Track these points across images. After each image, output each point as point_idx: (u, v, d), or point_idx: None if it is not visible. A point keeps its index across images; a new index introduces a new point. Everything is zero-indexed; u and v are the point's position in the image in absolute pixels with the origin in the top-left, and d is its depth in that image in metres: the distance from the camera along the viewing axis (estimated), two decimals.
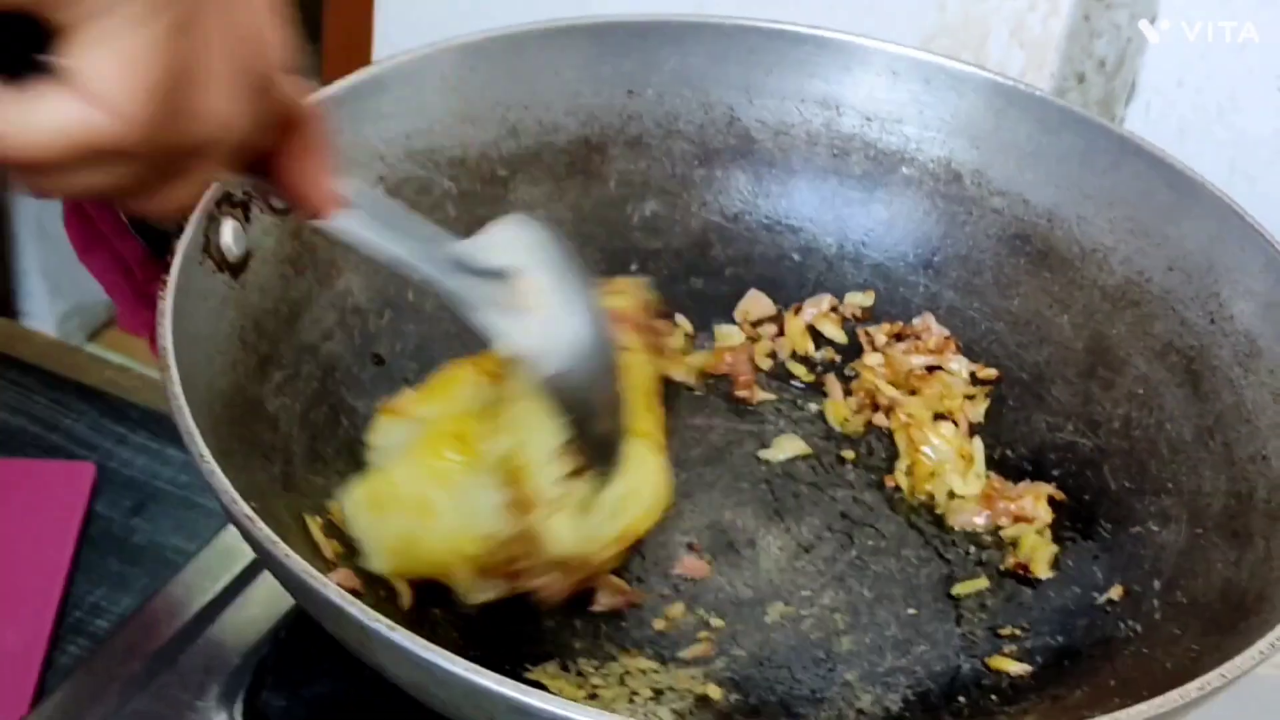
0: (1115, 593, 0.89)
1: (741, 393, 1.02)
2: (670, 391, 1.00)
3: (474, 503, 0.82)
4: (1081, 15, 1.18)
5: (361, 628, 0.67)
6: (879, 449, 1.00)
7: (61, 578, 0.98)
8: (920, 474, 0.97)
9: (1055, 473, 0.97)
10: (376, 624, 0.67)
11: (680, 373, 1.02)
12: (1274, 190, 1.13)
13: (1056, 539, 0.94)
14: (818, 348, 1.05)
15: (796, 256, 1.06)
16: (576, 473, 0.82)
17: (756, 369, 1.03)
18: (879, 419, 1.00)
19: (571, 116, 1.03)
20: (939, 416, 1.00)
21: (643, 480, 0.87)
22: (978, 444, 0.98)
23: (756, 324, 1.06)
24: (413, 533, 0.83)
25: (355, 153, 0.95)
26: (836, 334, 1.05)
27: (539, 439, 0.82)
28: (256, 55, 0.63)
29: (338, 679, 0.87)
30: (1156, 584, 0.88)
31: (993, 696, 0.85)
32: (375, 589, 0.84)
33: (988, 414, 1.00)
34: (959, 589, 0.91)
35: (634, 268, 1.04)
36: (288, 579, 0.71)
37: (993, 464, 0.98)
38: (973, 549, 0.94)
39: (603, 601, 0.89)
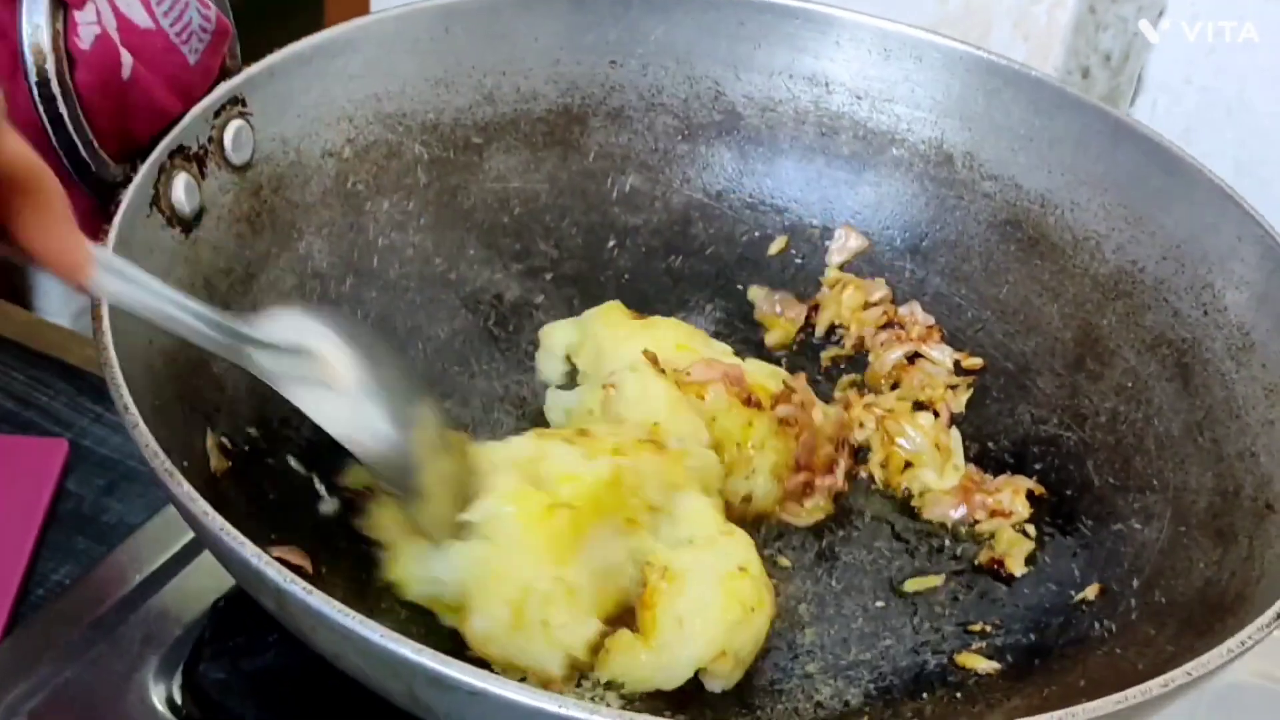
0: (1092, 591, 0.86)
1: None
2: None
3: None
4: (1087, 8, 1.15)
5: (279, 590, 0.65)
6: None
7: (26, 554, 0.95)
8: (894, 466, 0.93)
9: (1037, 467, 0.93)
10: (292, 585, 0.64)
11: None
12: None
13: (1035, 535, 0.91)
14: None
15: (780, 237, 1.02)
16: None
17: None
18: (857, 413, 0.97)
19: (551, 85, 1.00)
20: (919, 406, 0.96)
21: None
22: (955, 436, 0.95)
23: None
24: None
25: (321, 114, 0.92)
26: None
27: None
28: None
29: (277, 653, 0.84)
30: (1135, 583, 0.84)
31: (958, 694, 0.81)
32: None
33: (970, 405, 0.97)
34: (910, 585, 0.87)
35: (611, 243, 1.01)
36: (206, 537, 0.68)
37: (973, 457, 0.94)
38: (948, 543, 0.91)
39: None
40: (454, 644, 0.80)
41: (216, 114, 0.85)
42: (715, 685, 0.81)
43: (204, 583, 0.89)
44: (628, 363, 0.88)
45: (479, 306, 0.97)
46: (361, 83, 0.93)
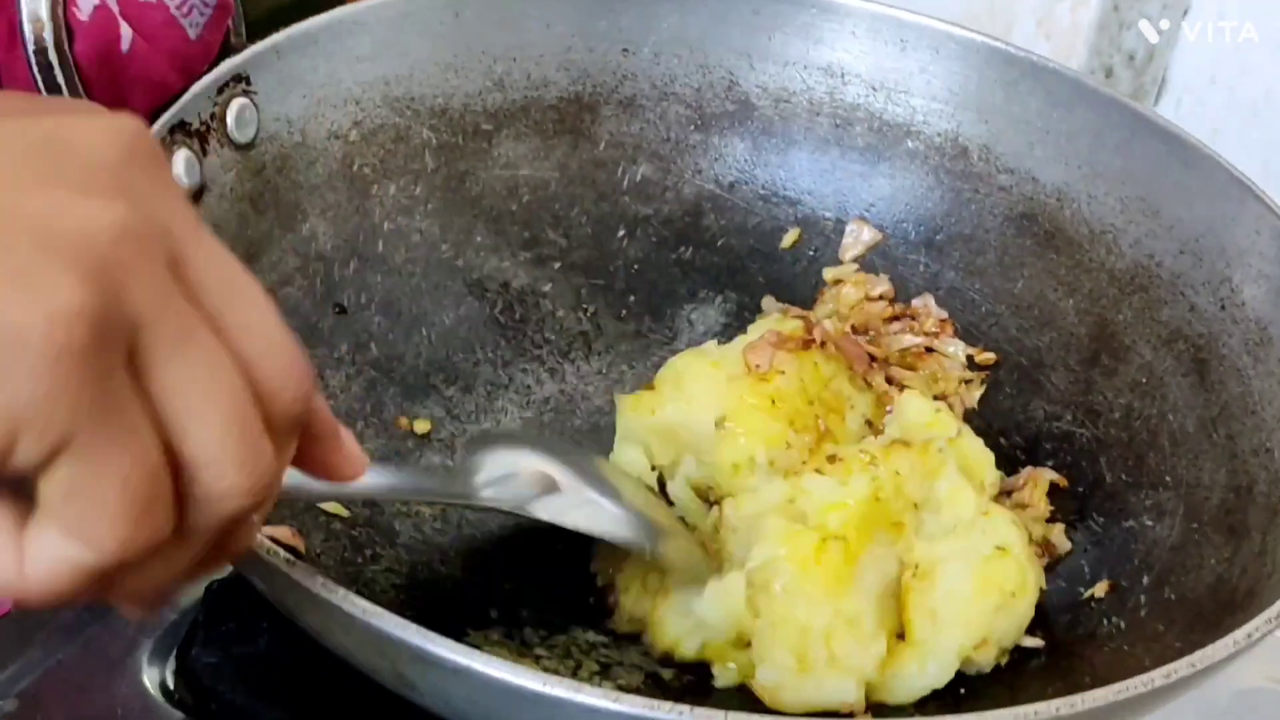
0: (1101, 588, 0.84)
1: None
2: None
3: None
4: (1111, 7, 1.13)
5: (263, 565, 0.63)
6: None
7: None
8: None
9: (1049, 463, 0.91)
10: (275, 559, 0.63)
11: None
12: None
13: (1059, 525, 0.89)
14: None
15: (793, 230, 1.01)
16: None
17: None
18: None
19: (563, 72, 0.99)
20: (933, 400, 0.94)
21: None
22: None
23: None
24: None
25: (328, 95, 0.91)
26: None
27: None
28: (277, 401, 0.50)
29: (270, 639, 0.83)
30: (1145, 579, 0.82)
31: (960, 690, 0.80)
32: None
33: (982, 400, 0.95)
34: None
35: (621, 233, 1.00)
36: None
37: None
38: None
39: None
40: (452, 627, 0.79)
41: (220, 91, 0.84)
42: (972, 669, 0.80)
43: None
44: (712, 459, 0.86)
45: (485, 293, 0.96)
46: (370, 65, 0.92)
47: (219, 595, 0.85)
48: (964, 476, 0.84)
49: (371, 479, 0.66)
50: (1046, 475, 0.90)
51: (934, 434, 0.85)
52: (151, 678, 0.83)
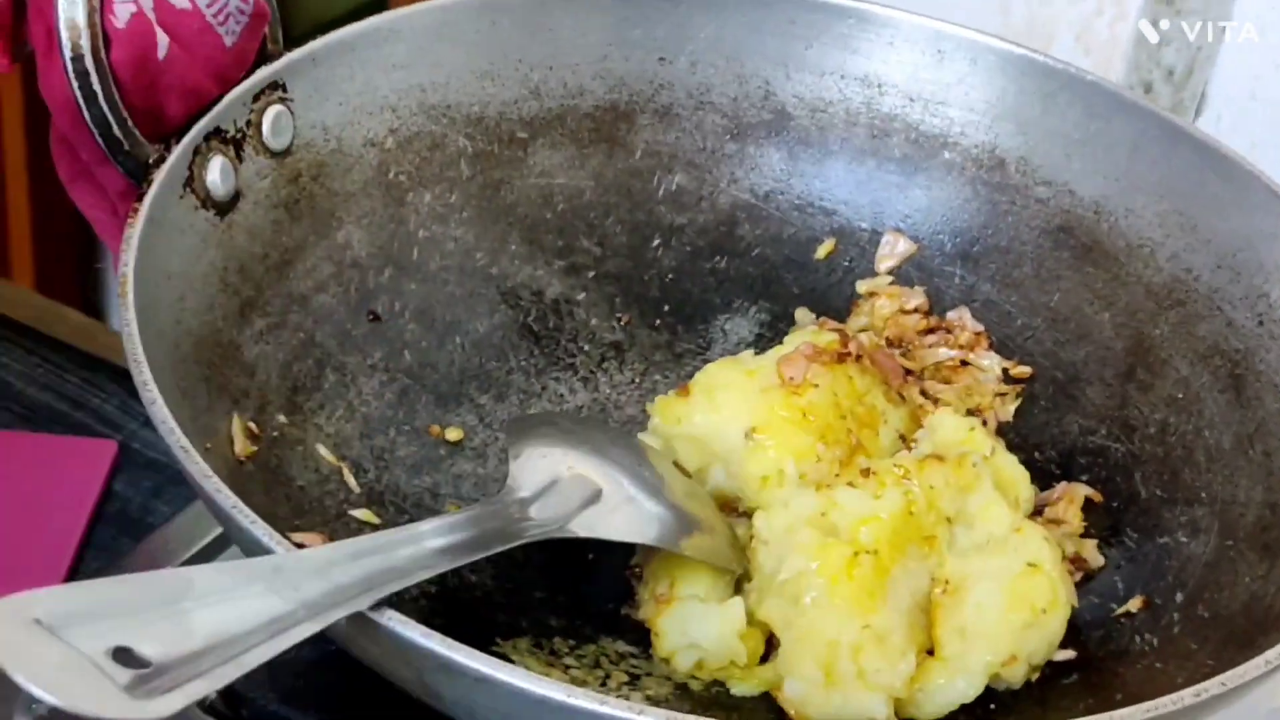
0: (1134, 604, 0.83)
1: None
2: None
3: None
4: (1150, 21, 1.13)
5: None
6: None
7: (70, 553, 0.95)
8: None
9: (1084, 478, 0.91)
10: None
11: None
12: None
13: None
14: None
15: (829, 240, 1.01)
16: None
17: None
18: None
19: (599, 81, 0.99)
20: (968, 414, 0.94)
21: None
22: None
23: None
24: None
25: (364, 102, 0.91)
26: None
27: None
28: None
29: (305, 645, 0.83)
30: (1179, 596, 0.82)
31: (991, 705, 0.79)
32: None
33: (1017, 414, 0.94)
34: None
35: (656, 242, 1.00)
36: (220, 515, 0.67)
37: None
38: None
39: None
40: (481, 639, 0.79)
41: (255, 98, 0.85)
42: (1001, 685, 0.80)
43: None
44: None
45: (519, 302, 0.96)
46: (406, 73, 0.93)
47: None
48: (998, 492, 0.84)
49: (433, 542, 0.68)
50: (1081, 490, 0.89)
51: (968, 450, 0.84)
52: None
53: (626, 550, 0.85)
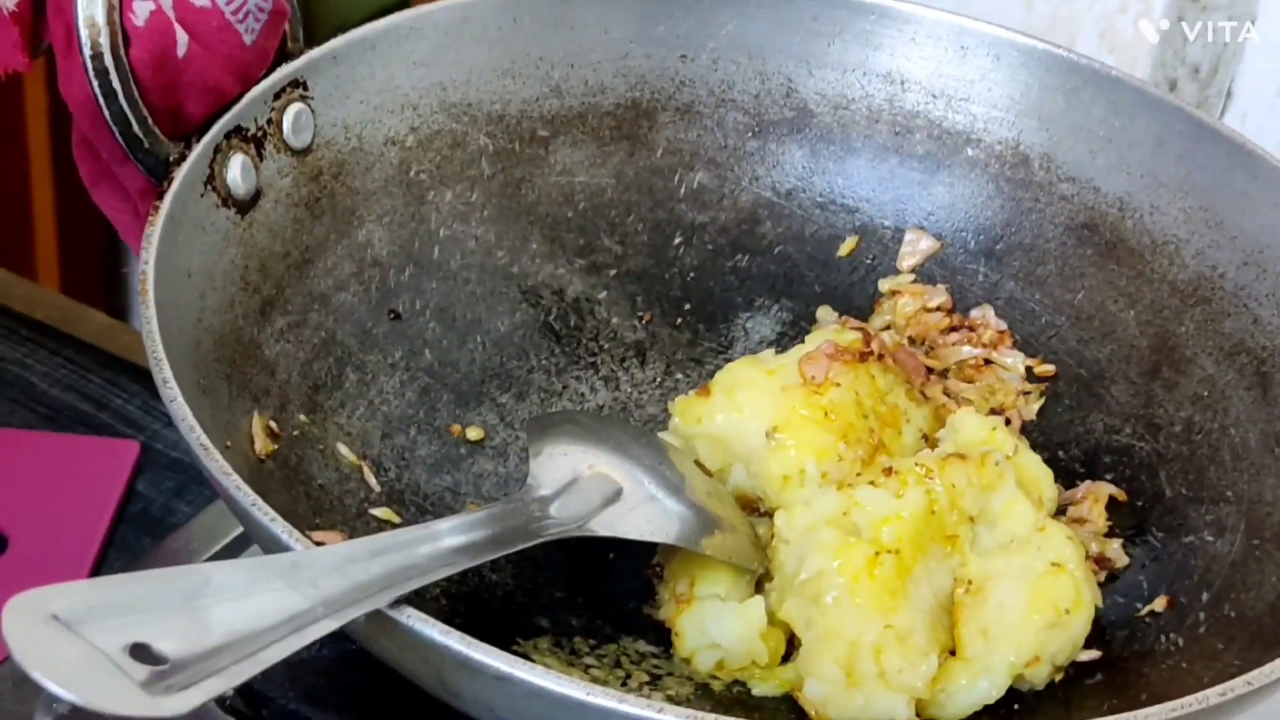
0: (1160, 604, 0.82)
1: None
2: None
3: None
4: (1175, 17, 1.12)
5: None
6: None
7: (94, 552, 0.95)
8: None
9: (1108, 476, 0.90)
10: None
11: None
12: None
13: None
14: None
15: (851, 238, 1.00)
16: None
17: None
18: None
19: (620, 78, 0.99)
20: (991, 413, 0.93)
21: None
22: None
23: None
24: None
25: (385, 100, 0.91)
26: None
27: None
28: None
29: (324, 644, 0.82)
30: (1205, 596, 0.81)
31: (1014, 705, 0.78)
32: None
33: (1040, 412, 0.94)
34: None
35: (677, 240, 0.99)
36: (238, 512, 0.67)
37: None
38: None
39: None
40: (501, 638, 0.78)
41: (276, 96, 0.85)
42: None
43: None
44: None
45: (540, 301, 0.96)
46: (426, 70, 0.92)
47: None
48: (1021, 491, 0.83)
49: (452, 540, 0.68)
50: (1105, 489, 0.89)
51: (990, 449, 0.84)
52: None
53: (648, 550, 0.84)
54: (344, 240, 0.89)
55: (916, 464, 0.82)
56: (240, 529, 0.91)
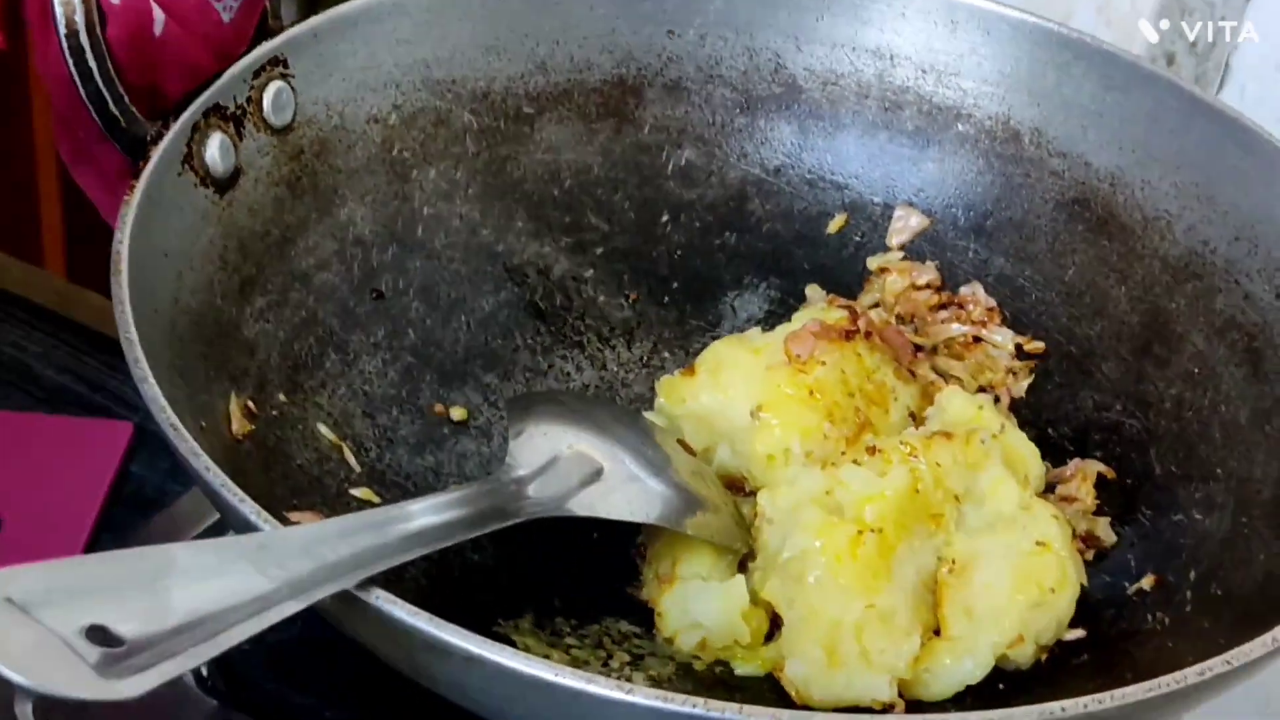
0: (1148, 582, 0.82)
1: None
2: None
3: None
4: None
5: None
6: None
7: (86, 532, 0.95)
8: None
9: (1097, 454, 0.89)
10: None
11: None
12: None
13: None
14: None
15: (840, 215, 0.99)
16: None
17: None
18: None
19: (606, 55, 0.98)
20: (980, 390, 0.92)
21: None
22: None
23: None
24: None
25: (367, 78, 0.90)
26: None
27: None
28: None
29: (303, 626, 0.82)
30: (1193, 574, 0.80)
31: (999, 685, 0.78)
32: None
33: (1030, 389, 0.93)
34: None
35: (665, 218, 0.98)
36: (210, 494, 0.66)
37: (1032, 441, 0.90)
38: None
39: None
40: (483, 619, 0.78)
41: (256, 74, 0.84)
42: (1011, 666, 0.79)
43: None
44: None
45: (526, 280, 0.95)
46: (410, 48, 0.92)
47: None
48: (1008, 469, 0.82)
49: (425, 520, 0.67)
50: (1094, 467, 0.88)
51: (977, 427, 0.83)
52: None
53: (632, 530, 0.84)
54: (326, 219, 0.88)
55: (901, 442, 0.81)
56: None
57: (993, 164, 0.97)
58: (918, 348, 0.93)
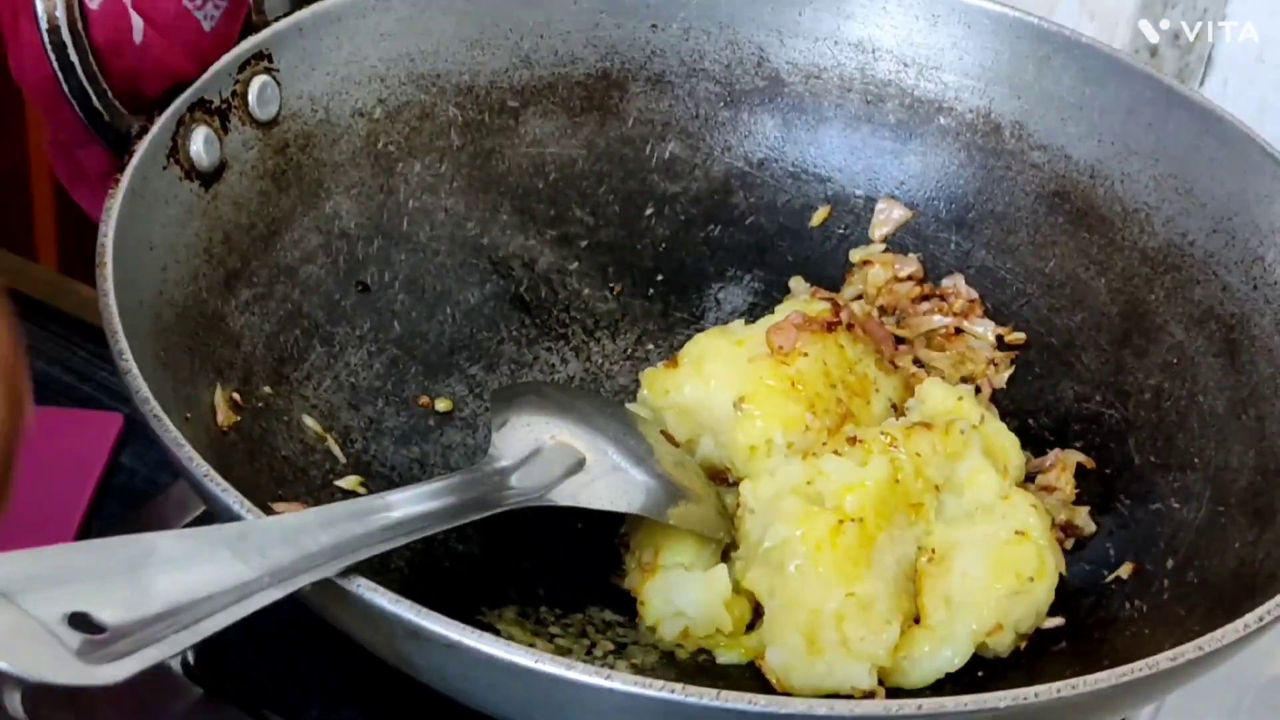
0: (1126, 570, 0.83)
1: None
2: None
3: None
4: None
5: None
6: None
7: (75, 524, 0.95)
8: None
9: (1077, 444, 0.90)
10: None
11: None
12: None
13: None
14: None
15: (823, 208, 1.00)
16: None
17: None
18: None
19: (590, 48, 0.98)
20: (961, 381, 0.93)
21: None
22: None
23: None
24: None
25: (352, 72, 0.91)
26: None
27: None
28: None
29: (289, 615, 0.82)
30: (1170, 563, 0.81)
31: (978, 673, 0.78)
32: None
33: (1011, 380, 0.94)
34: None
35: (649, 211, 0.99)
36: (194, 485, 0.67)
37: (1012, 432, 0.91)
38: None
39: None
40: (467, 608, 0.79)
41: (241, 69, 0.84)
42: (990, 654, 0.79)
43: None
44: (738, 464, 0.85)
45: (511, 272, 0.96)
46: (394, 42, 0.92)
47: None
48: (987, 459, 0.83)
49: (407, 509, 0.68)
50: (1074, 457, 0.89)
51: (956, 418, 0.83)
52: None
53: (615, 520, 0.84)
54: (311, 212, 0.89)
55: (881, 433, 0.81)
56: None
57: (974, 157, 0.98)
58: (899, 339, 0.93)
